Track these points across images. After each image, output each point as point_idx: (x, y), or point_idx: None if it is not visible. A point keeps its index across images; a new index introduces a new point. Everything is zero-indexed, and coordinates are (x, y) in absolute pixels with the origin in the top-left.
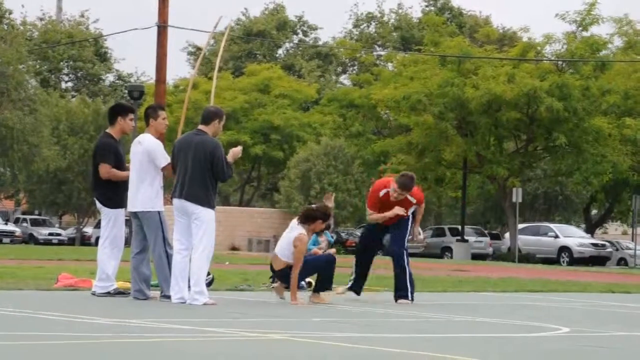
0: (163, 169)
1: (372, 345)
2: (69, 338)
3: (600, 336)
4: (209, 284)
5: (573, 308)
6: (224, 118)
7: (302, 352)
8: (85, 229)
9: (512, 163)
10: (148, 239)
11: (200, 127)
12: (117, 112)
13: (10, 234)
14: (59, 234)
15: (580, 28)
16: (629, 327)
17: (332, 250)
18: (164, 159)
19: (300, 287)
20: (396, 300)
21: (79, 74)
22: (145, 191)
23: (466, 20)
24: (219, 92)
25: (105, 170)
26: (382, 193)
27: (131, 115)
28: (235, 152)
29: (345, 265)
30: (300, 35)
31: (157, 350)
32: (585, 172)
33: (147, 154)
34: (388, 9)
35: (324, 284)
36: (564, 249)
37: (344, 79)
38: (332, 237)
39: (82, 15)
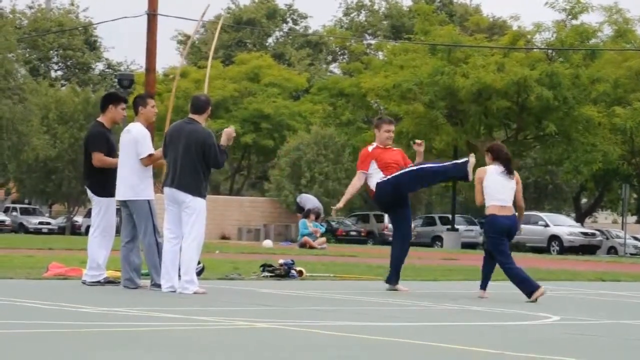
0: (143, 159)
1: (361, 334)
2: (58, 327)
3: (589, 324)
4: (199, 273)
5: (563, 296)
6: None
7: (291, 341)
8: (75, 218)
9: None
10: (137, 228)
11: (192, 116)
12: (109, 100)
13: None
14: (48, 223)
15: (570, 16)
16: (618, 316)
17: (323, 239)
18: (147, 149)
19: (291, 277)
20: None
21: (68, 63)
22: (134, 180)
23: (456, 9)
24: (209, 81)
25: (98, 158)
26: (371, 148)
27: (123, 105)
28: (229, 132)
29: (336, 254)
30: (290, 24)
31: (147, 338)
32: (575, 161)
33: (134, 142)
34: None
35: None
36: (554, 237)
37: (334, 68)
38: (322, 226)
39: (72, 4)
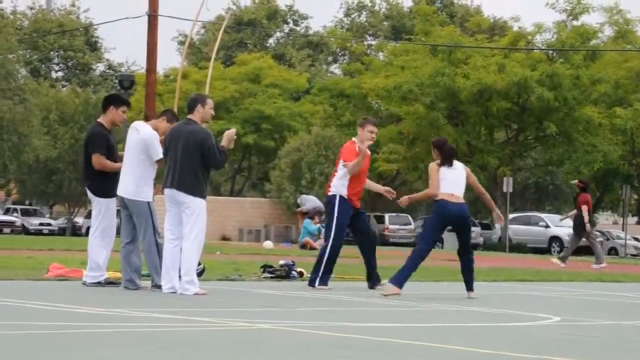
0: (158, 161)
1: (362, 334)
2: (58, 328)
3: (590, 325)
4: (199, 274)
5: (563, 297)
6: (207, 101)
7: (292, 341)
8: (76, 219)
9: (502, 152)
10: (137, 229)
11: (189, 116)
12: (111, 101)
13: (10, 224)
14: (49, 224)
15: (570, 17)
16: (619, 316)
17: (322, 241)
18: (159, 153)
19: (291, 277)
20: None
21: (69, 64)
22: (136, 179)
23: (457, 10)
24: (210, 82)
25: (98, 160)
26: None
27: (124, 108)
28: (229, 135)
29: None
30: (291, 25)
31: (148, 340)
32: (575, 161)
33: (142, 143)
34: None
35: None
36: (555, 238)
37: (335, 69)
38: (321, 228)
39: (73, 5)
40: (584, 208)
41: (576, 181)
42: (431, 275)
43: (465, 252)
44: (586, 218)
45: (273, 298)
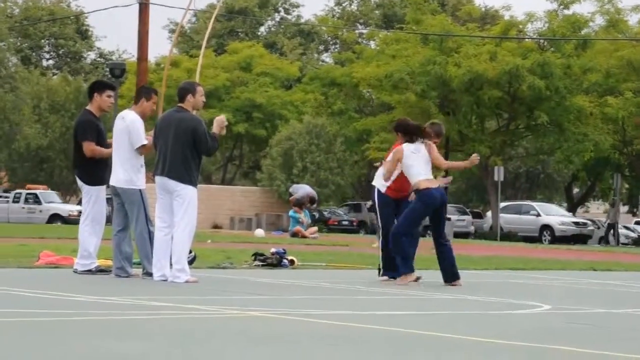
0: (138, 148)
1: (354, 322)
2: (50, 315)
3: (581, 313)
4: (190, 262)
5: (554, 286)
6: (198, 89)
7: (283, 329)
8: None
9: (494, 141)
10: (129, 217)
11: (179, 104)
12: (93, 88)
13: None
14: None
15: (561, 6)
16: (610, 305)
17: (314, 229)
18: (141, 140)
19: (282, 266)
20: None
21: (60, 52)
22: (127, 168)
23: None
24: (201, 70)
25: (89, 148)
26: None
27: (109, 92)
28: (220, 121)
29: (327, 243)
30: (282, 13)
31: (139, 327)
32: (566, 150)
33: (127, 131)
34: None
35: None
36: (546, 227)
37: (326, 57)
38: (314, 215)
39: None
40: None
41: None
42: (421, 263)
43: None
44: None
45: (264, 286)
